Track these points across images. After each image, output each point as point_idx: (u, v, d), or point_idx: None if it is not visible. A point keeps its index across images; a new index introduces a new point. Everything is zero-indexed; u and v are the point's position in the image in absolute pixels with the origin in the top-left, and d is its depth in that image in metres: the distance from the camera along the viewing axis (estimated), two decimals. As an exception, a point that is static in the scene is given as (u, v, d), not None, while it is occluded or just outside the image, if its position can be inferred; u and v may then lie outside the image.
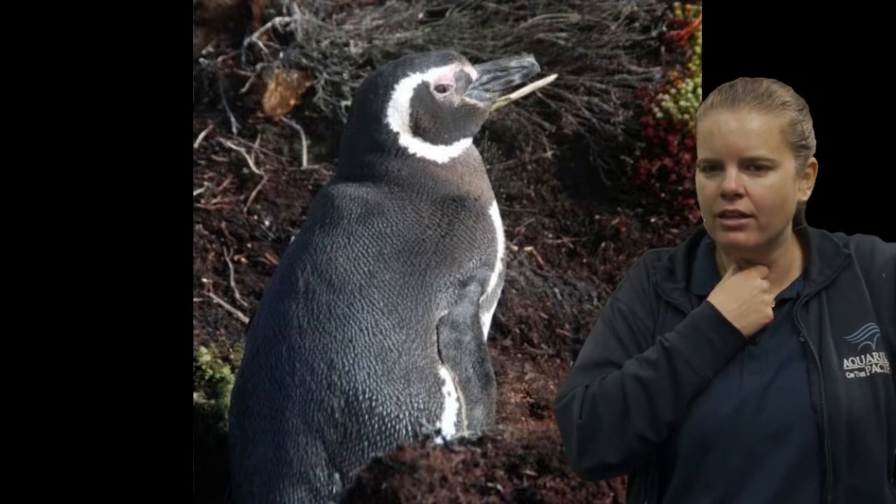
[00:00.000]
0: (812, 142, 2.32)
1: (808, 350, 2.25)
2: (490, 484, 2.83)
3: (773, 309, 2.29)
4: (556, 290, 4.58)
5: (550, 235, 4.78)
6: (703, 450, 2.27)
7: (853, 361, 2.25)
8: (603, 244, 4.75)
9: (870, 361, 2.25)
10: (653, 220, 4.78)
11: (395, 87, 3.53)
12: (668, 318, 2.34)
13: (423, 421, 3.31)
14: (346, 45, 4.92)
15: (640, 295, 2.38)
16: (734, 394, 2.26)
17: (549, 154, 4.87)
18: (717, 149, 2.26)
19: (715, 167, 2.27)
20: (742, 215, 2.25)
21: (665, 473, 2.31)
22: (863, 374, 2.25)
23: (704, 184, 2.28)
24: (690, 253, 2.39)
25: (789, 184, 2.28)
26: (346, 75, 4.85)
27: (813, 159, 2.33)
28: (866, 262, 2.32)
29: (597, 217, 4.79)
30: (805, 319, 2.27)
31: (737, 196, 2.24)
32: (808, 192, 2.33)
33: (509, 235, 4.64)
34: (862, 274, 2.30)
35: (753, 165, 2.25)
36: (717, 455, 2.26)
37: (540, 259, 4.72)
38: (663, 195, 4.76)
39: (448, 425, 3.34)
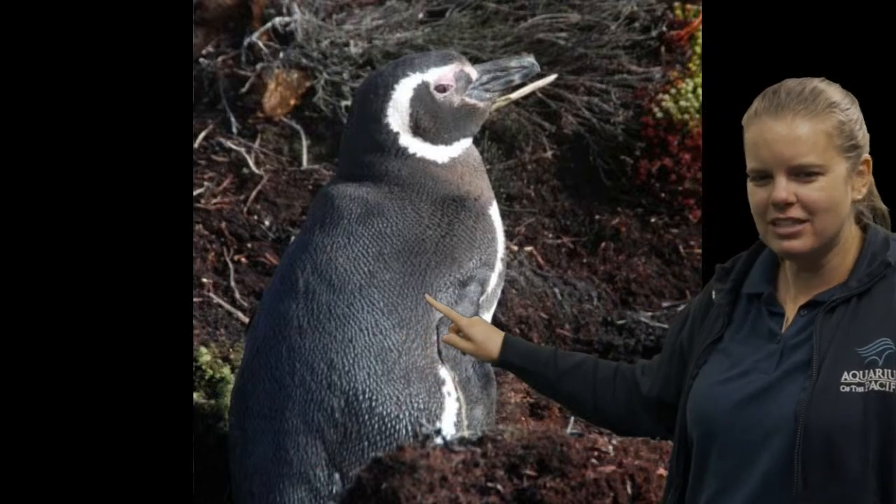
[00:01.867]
0: (863, 140, 2.28)
1: (811, 357, 2.23)
2: (490, 484, 2.82)
3: (805, 309, 2.27)
4: (556, 290, 4.58)
5: (550, 235, 4.78)
6: (709, 442, 2.26)
7: (854, 375, 2.19)
8: (603, 244, 4.75)
9: (871, 378, 2.19)
10: (653, 220, 4.78)
11: (395, 87, 3.52)
12: (711, 316, 2.34)
13: (423, 421, 3.31)
14: (346, 45, 4.92)
15: (705, 291, 2.42)
16: (739, 388, 2.25)
17: (549, 154, 4.87)
18: (765, 158, 2.23)
19: (764, 176, 2.25)
20: (795, 222, 2.23)
21: (686, 466, 2.32)
22: (860, 390, 2.18)
23: (755, 191, 2.26)
24: (757, 252, 2.37)
25: (840, 186, 2.25)
26: (346, 75, 4.85)
27: (867, 156, 2.29)
28: None
29: (597, 217, 4.79)
30: (824, 325, 2.23)
31: (788, 205, 2.23)
32: (864, 191, 2.29)
33: (509, 235, 4.64)
34: None
35: (803, 172, 2.22)
36: (717, 450, 2.26)
37: (540, 259, 4.71)
38: (663, 195, 4.76)
39: (448, 425, 3.34)
